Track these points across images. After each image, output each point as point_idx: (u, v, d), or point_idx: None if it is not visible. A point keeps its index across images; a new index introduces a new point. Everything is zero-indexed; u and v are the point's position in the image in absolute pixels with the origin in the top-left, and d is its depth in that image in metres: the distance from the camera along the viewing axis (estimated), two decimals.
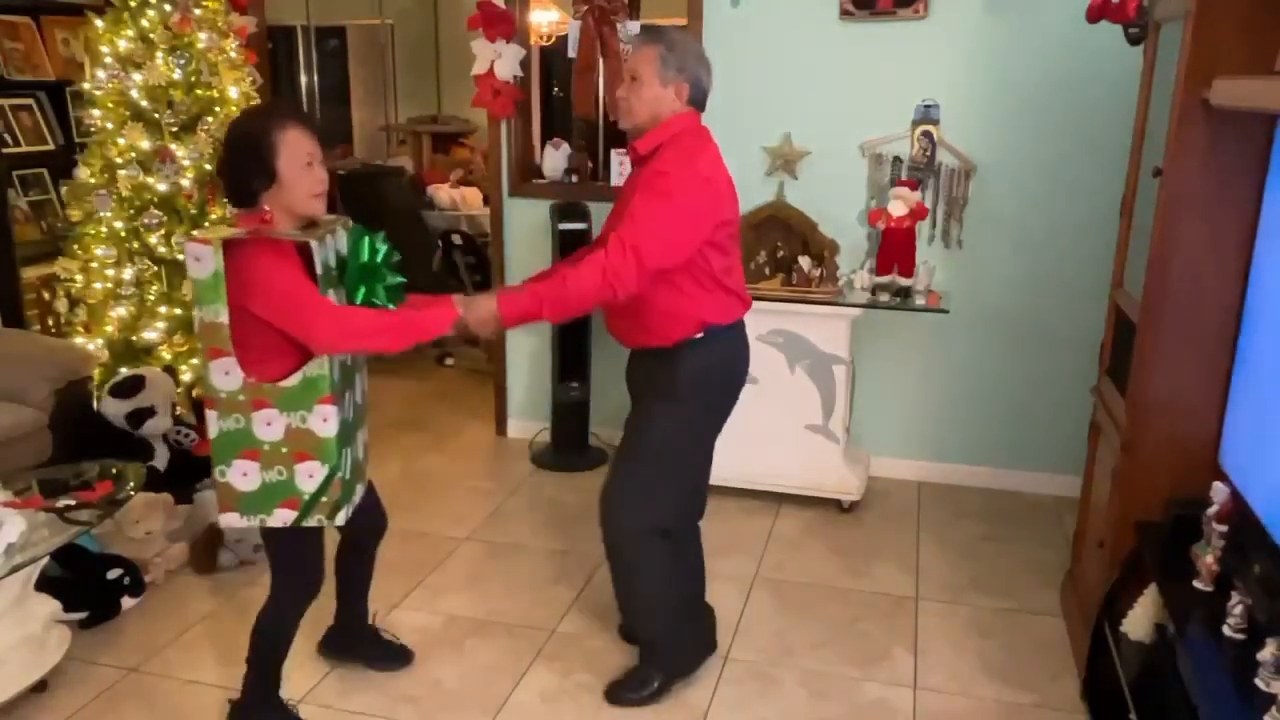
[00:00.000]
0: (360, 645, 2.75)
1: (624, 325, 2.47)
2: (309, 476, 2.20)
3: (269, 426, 2.16)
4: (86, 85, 3.88)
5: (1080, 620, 2.77)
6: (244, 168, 2.12)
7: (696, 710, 2.58)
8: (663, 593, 2.58)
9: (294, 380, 2.14)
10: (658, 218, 2.24)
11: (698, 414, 2.51)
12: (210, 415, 2.17)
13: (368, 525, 2.60)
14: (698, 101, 2.41)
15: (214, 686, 2.66)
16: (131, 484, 2.81)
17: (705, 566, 2.79)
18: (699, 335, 2.41)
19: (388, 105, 8.05)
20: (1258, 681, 1.78)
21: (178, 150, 3.79)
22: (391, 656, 2.76)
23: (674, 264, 2.28)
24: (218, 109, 3.91)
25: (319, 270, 2.13)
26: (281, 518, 2.23)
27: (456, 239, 5.75)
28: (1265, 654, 1.79)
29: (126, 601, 2.96)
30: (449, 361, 5.59)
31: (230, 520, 2.25)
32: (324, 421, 2.17)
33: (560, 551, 3.41)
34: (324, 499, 2.22)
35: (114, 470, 2.87)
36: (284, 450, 2.18)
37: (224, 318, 2.09)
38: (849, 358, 3.66)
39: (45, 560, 2.56)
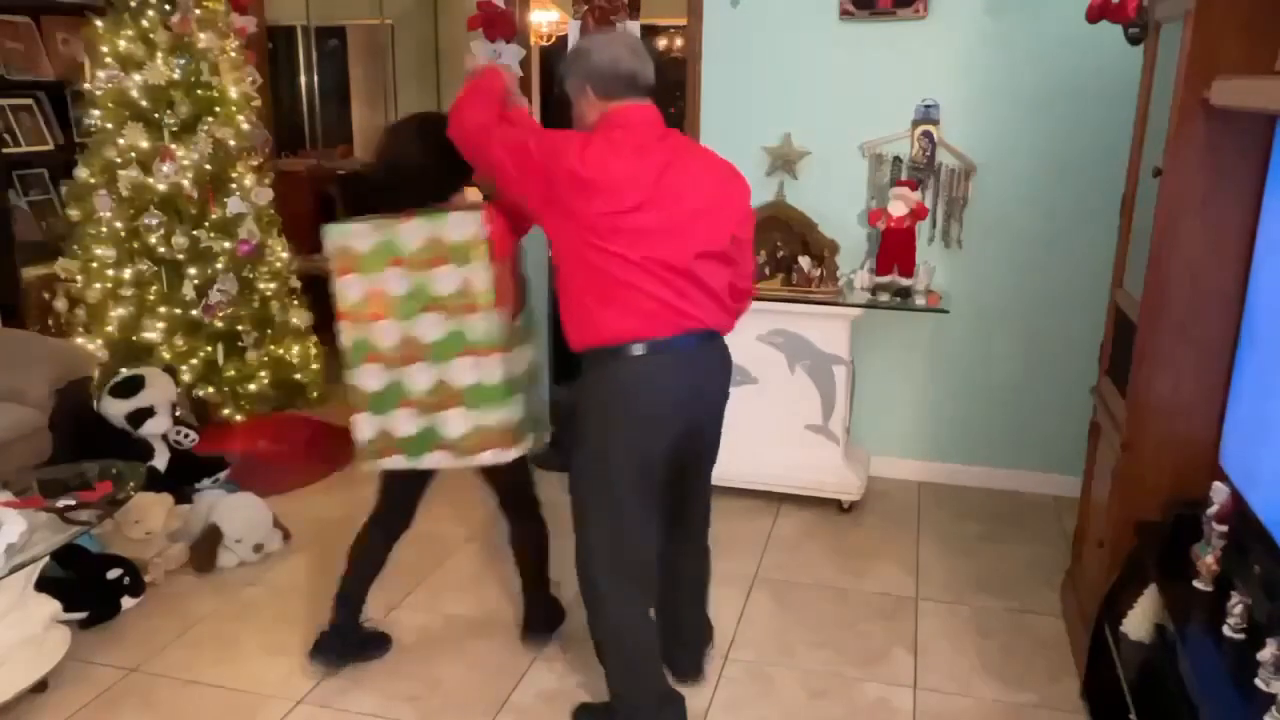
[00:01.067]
0: (350, 644, 2.74)
1: None
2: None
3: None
4: (86, 85, 3.89)
5: (1080, 620, 2.77)
6: (459, 165, 2.35)
7: (696, 710, 2.58)
8: (612, 642, 2.35)
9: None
10: (514, 129, 2.25)
11: (600, 447, 2.25)
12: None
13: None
14: (612, 90, 2.18)
15: (214, 687, 2.66)
16: (131, 484, 2.81)
17: (704, 585, 2.65)
18: (588, 353, 2.23)
19: (388, 105, 8.04)
20: (1258, 681, 1.78)
21: (178, 150, 3.79)
22: (378, 643, 2.81)
23: (471, 147, 2.28)
24: (218, 109, 3.91)
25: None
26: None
27: None
28: (1265, 654, 1.79)
29: (126, 601, 2.96)
30: None
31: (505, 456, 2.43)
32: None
33: (560, 552, 3.41)
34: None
35: (114, 470, 2.87)
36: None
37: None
38: (849, 358, 3.66)
39: (45, 560, 2.56)
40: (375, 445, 2.49)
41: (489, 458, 2.41)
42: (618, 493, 2.25)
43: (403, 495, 2.70)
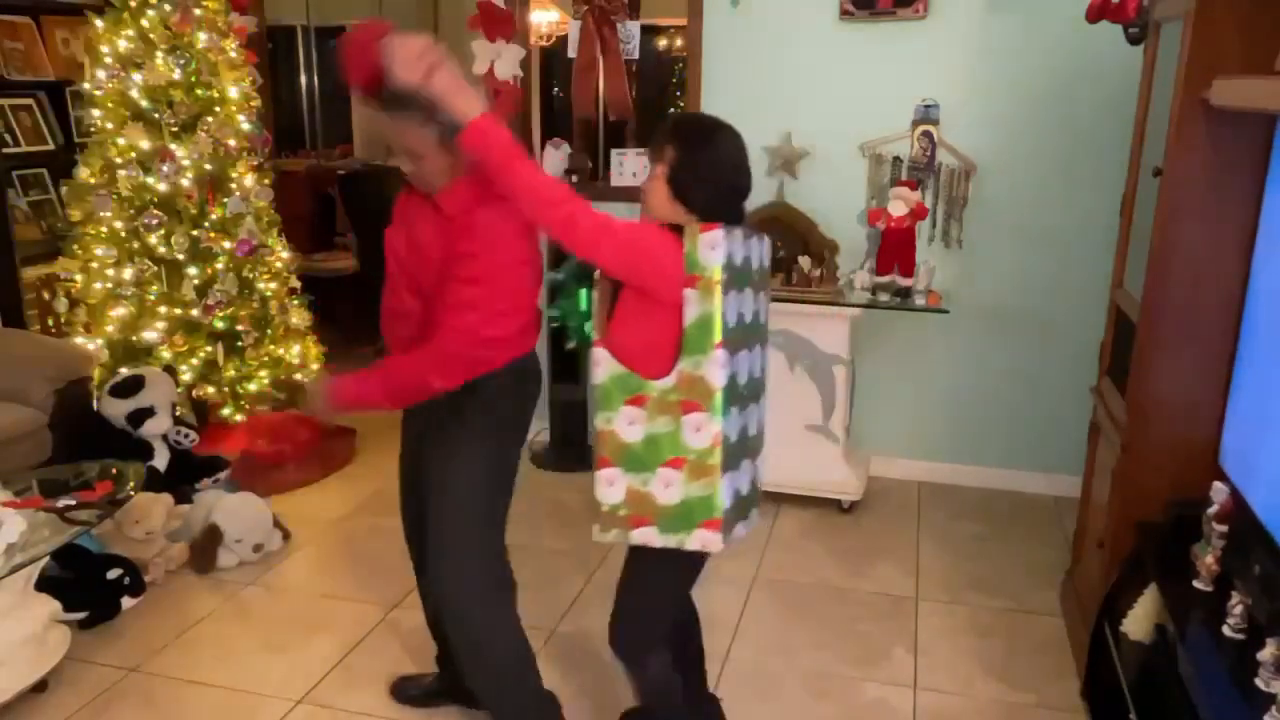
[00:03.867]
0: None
1: None
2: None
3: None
4: (86, 85, 3.88)
5: (1080, 620, 2.77)
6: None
7: None
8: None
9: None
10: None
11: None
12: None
13: None
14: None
15: (214, 687, 2.66)
16: (131, 484, 2.81)
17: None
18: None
19: None
20: (1258, 681, 1.78)
21: (178, 150, 3.79)
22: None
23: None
24: (218, 109, 3.91)
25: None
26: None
27: None
28: (1265, 654, 1.78)
29: (126, 601, 2.96)
30: None
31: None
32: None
33: (560, 551, 3.41)
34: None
35: (114, 470, 2.87)
36: None
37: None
38: (849, 358, 3.66)
39: (45, 560, 2.56)
40: (731, 514, 1.95)
41: (755, 516, 2.10)
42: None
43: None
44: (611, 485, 1.95)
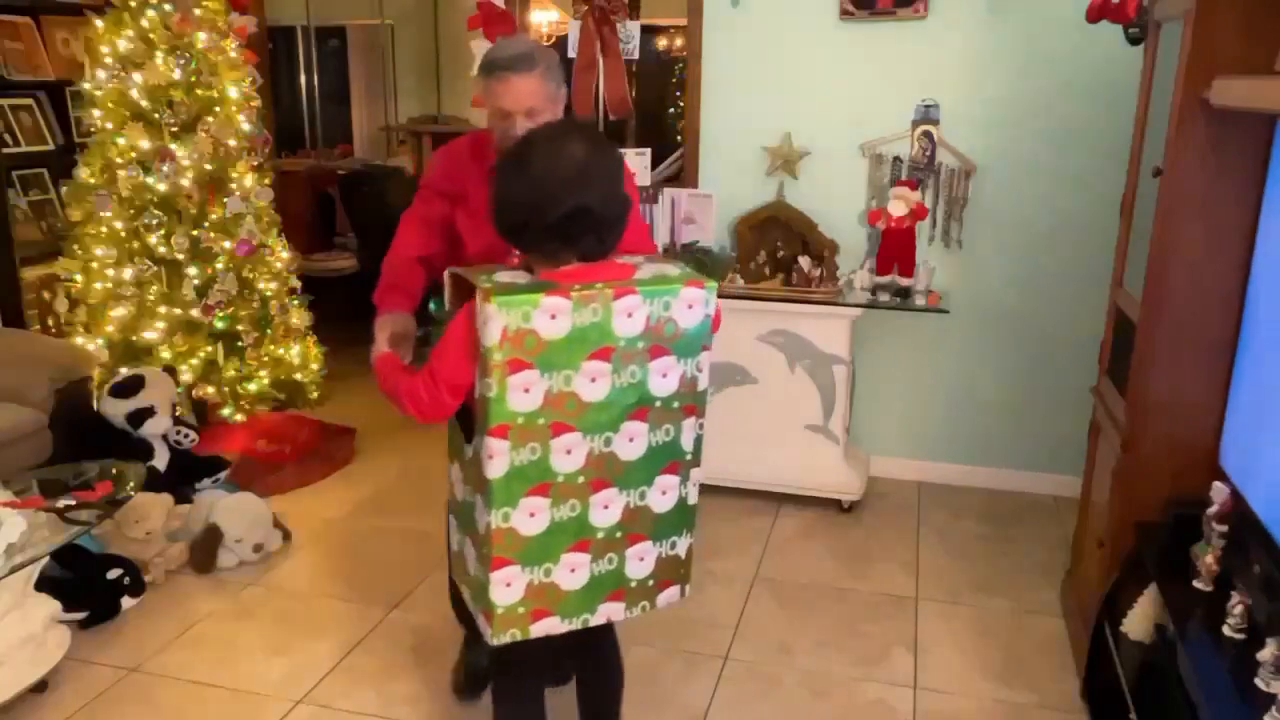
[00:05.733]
0: None
1: None
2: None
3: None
4: (86, 85, 3.88)
5: (1080, 620, 2.77)
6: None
7: (696, 710, 2.58)
8: None
9: None
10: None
11: None
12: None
13: None
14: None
15: (214, 687, 2.66)
16: (131, 484, 2.81)
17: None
18: None
19: (388, 105, 8.05)
20: (1258, 681, 1.78)
21: (178, 150, 3.80)
22: None
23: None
24: (218, 109, 3.92)
25: None
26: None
27: None
28: (1265, 654, 1.78)
29: (126, 601, 2.96)
30: None
31: (678, 596, 1.94)
32: None
33: None
34: None
35: (114, 470, 2.87)
36: None
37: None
38: (849, 358, 3.66)
39: (45, 560, 2.56)
40: (524, 608, 1.78)
41: (664, 599, 1.92)
42: None
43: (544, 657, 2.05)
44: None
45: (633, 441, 1.77)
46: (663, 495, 1.83)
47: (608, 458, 1.76)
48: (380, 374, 1.95)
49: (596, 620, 1.86)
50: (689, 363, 1.77)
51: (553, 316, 1.63)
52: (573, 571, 1.80)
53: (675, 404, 1.78)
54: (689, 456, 1.84)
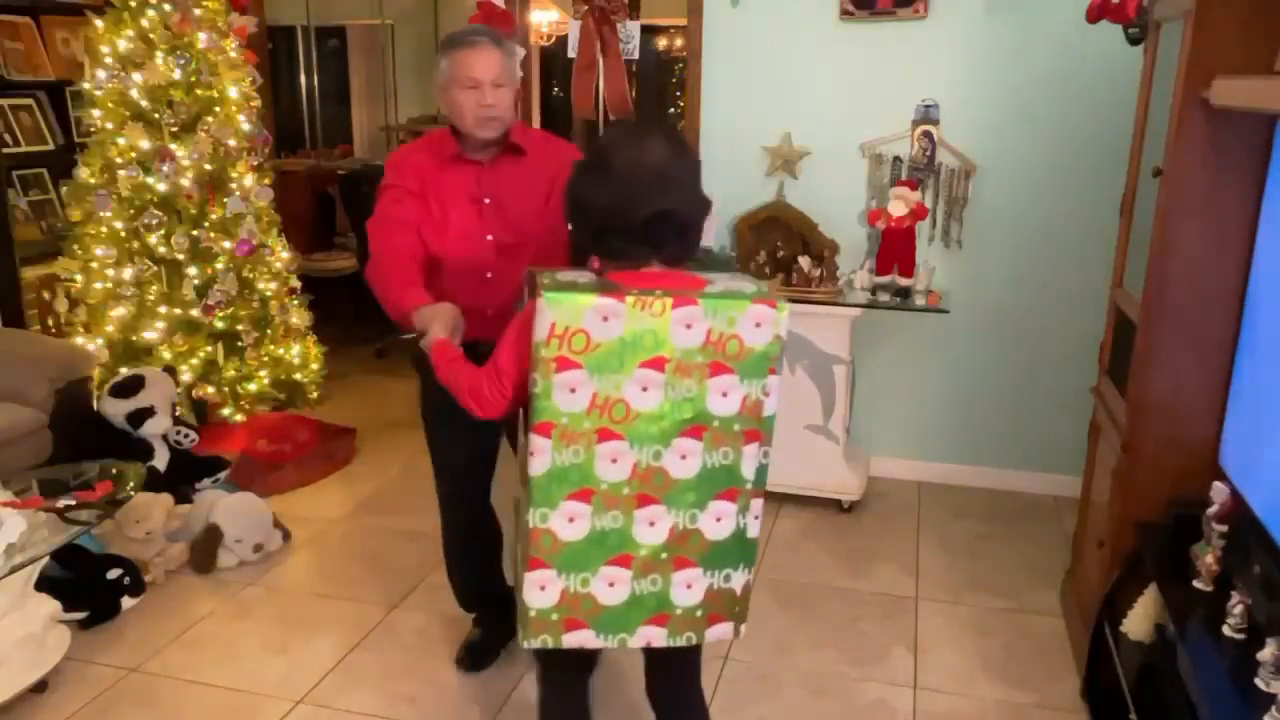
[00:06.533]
0: None
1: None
2: None
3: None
4: (86, 85, 3.88)
5: (1080, 620, 2.77)
6: None
7: None
8: None
9: None
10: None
11: None
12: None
13: None
14: None
15: (214, 687, 2.66)
16: (131, 484, 2.81)
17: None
18: None
19: (388, 105, 8.05)
20: (1258, 681, 1.78)
21: (178, 150, 3.79)
22: None
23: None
24: (218, 109, 3.91)
25: None
26: None
27: None
28: (1265, 654, 1.79)
29: (126, 601, 2.96)
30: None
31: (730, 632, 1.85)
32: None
33: None
34: None
35: (114, 470, 2.88)
36: None
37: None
38: (849, 358, 3.66)
39: (45, 560, 2.56)
40: (558, 615, 1.74)
41: (714, 634, 1.83)
42: None
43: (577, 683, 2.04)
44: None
45: (685, 459, 1.69)
46: (717, 522, 1.74)
47: (656, 472, 1.69)
48: (439, 364, 1.91)
49: (635, 642, 1.79)
50: (754, 385, 1.67)
51: (605, 318, 1.58)
52: (611, 585, 1.73)
53: (736, 426, 1.69)
54: (749, 485, 1.73)
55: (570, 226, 1.76)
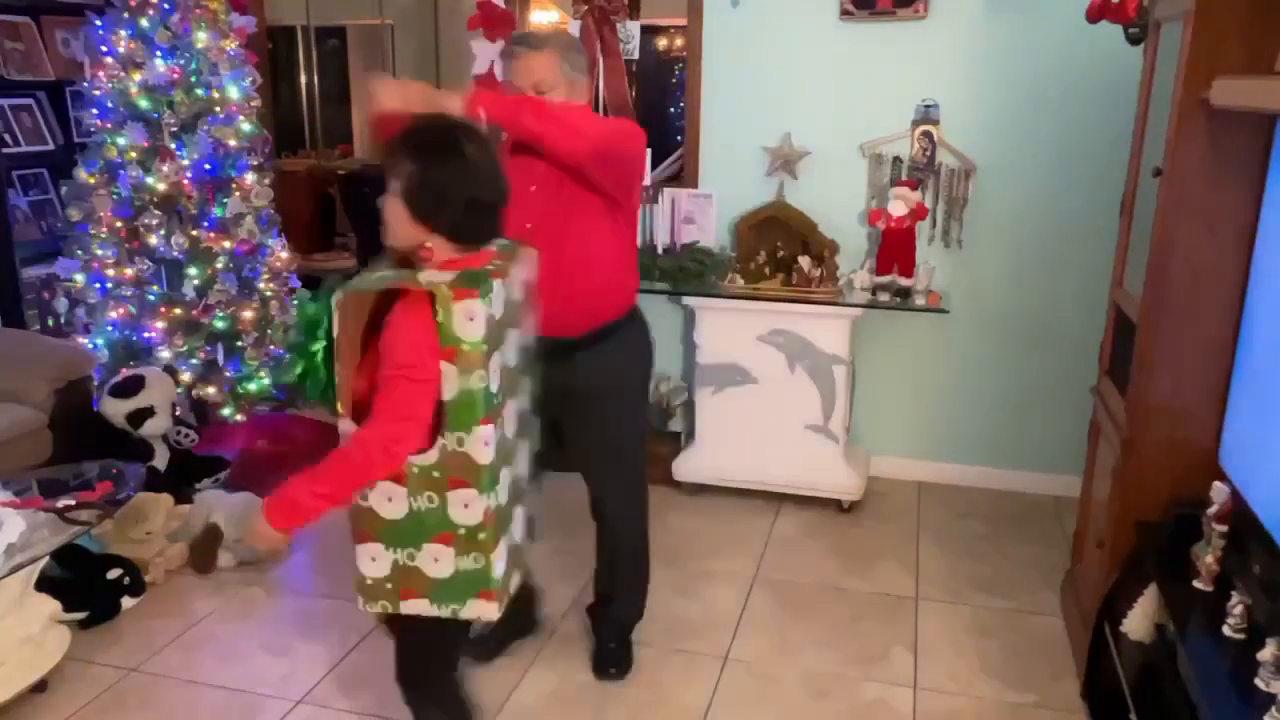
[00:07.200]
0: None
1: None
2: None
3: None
4: (86, 85, 3.88)
5: (1080, 620, 2.77)
6: None
7: (696, 710, 2.58)
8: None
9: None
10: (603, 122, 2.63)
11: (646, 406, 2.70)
12: None
13: None
14: None
15: (214, 687, 2.66)
16: (131, 484, 2.81)
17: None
18: (619, 319, 2.49)
19: None
20: (1258, 681, 1.78)
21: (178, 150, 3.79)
22: None
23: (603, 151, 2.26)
24: (218, 109, 3.91)
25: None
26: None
27: None
28: (1265, 654, 1.79)
29: (126, 601, 2.96)
30: None
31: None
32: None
33: (560, 551, 3.40)
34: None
35: (114, 470, 2.87)
36: None
37: None
38: (849, 358, 3.66)
39: (45, 560, 2.56)
40: (505, 579, 1.88)
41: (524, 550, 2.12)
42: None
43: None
44: (375, 560, 1.84)
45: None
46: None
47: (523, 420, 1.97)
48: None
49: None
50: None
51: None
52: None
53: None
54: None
55: (425, 220, 1.74)
